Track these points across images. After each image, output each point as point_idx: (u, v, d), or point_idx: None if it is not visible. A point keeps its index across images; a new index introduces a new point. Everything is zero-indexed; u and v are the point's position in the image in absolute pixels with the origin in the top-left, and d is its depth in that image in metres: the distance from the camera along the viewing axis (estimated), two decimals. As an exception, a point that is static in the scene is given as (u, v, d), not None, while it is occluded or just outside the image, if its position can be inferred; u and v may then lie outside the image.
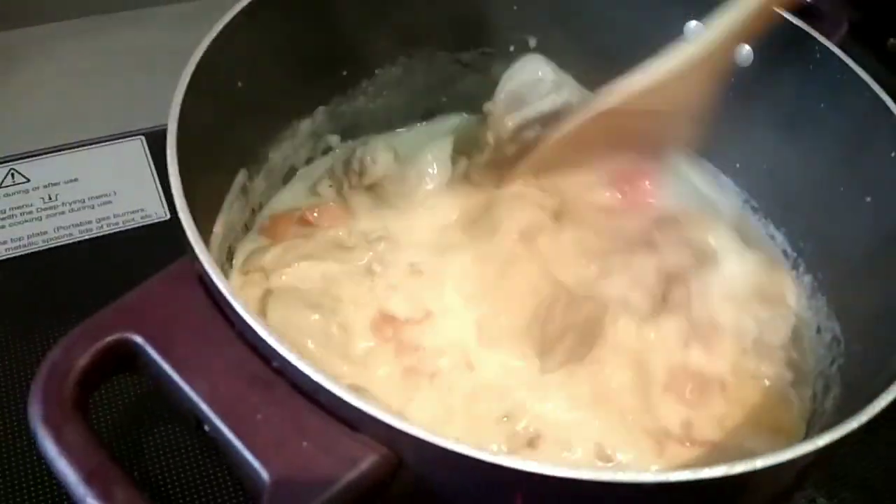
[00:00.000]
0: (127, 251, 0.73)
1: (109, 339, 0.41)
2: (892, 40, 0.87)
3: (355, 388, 0.41)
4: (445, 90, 0.76)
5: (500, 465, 0.37)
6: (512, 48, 0.74)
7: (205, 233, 0.56)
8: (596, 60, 0.68)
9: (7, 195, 0.76)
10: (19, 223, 0.74)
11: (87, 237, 0.74)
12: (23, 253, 0.72)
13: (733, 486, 0.39)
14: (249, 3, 0.58)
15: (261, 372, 0.40)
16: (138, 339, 0.41)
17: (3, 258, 0.71)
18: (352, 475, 0.38)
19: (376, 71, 0.73)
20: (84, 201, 0.77)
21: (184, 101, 0.51)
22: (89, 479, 0.36)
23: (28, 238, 0.73)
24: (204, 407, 0.39)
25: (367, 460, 0.38)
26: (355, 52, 0.70)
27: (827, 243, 0.65)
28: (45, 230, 0.74)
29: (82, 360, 0.40)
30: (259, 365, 0.40)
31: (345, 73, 0.71)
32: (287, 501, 0.37)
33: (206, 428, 0.39)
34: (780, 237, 0.70)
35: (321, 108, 0.71)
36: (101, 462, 0.37)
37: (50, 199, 0.76)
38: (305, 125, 0.70)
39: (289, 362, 0.39)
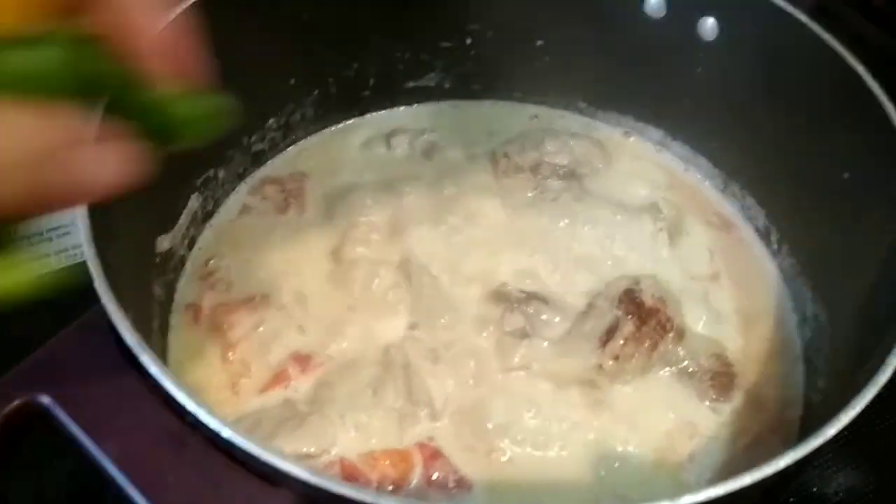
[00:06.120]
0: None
1: (16, 402, 0.39)
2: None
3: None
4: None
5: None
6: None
7: (138, 264, 0.54)
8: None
9: None
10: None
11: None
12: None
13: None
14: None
15: (175, 428, 0.38)
16: (46, 401, 0.39)
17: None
18: (272, 535, 0.35)
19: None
20: (43, 234, 0.74)
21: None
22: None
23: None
24: (113, 470, 0.37)
25: (289, 518, 0.36)
26: (304, 58, 0.67)
27: (808, 223, 0.61)
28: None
29: (-13, 429, 0.38)
30: (173, 420, 0.38)
31: (293, 80, 0.68)
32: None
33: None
34: (761, 218, 0.66)
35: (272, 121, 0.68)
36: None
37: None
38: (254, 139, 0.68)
39: (199, 419, 0.36)
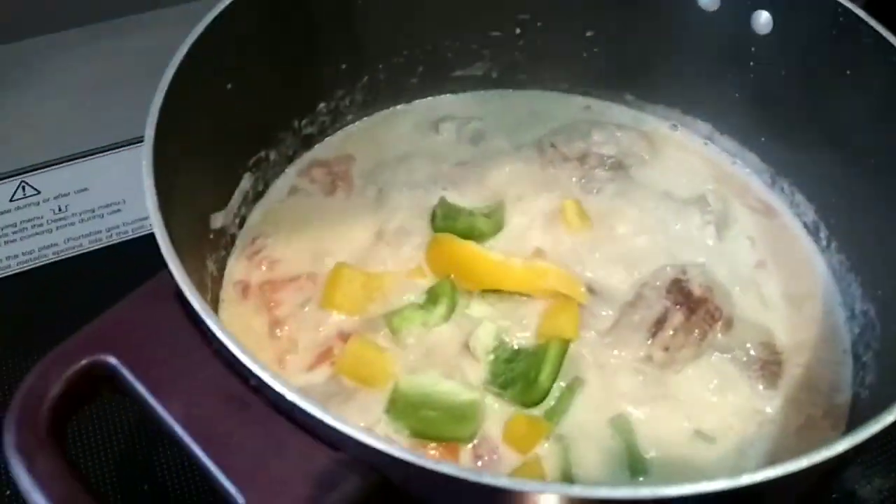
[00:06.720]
0: (138, 259, 0.72)
1: (84, 362, 0.40)
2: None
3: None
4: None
5: (491, 486, 0.35)
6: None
7: (193, 239, 0.55)
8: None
9: (18, 208, 0.76)
10: (30, 236, 0.74)
11: (96, 247, 0.73)
12: (33, 266, 0.71)
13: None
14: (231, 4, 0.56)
15: (238, 391, 0.38)
16: (113, 361, 0.40)
17: (15, 272, 0.71)
18: (333, 498, 0.36)
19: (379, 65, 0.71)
20: (94, 211, 0.76)
21: (164, 106, 0.49)
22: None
23: (39, 251, 0.73)
24: (179, 430, 0.37)
25: (350, 482, 0.36)
26: (355, 44, 0.68)
27: (859, 219, 0.60)
28: (55, 242, 0.74)
29: (56, 387, 0.39)
30: (236, 384, 0.39)
31: (344, 66, 0.69)
32: (265, 527, 0.35)
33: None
34: (810, 214, 0.65)
35: (322, 105, 0.69)
36: (74, 492, 0.36)
37: (60, 210, 0.76)
38: (305, 123, 0.68)
39: (264, 382, 0.37)
